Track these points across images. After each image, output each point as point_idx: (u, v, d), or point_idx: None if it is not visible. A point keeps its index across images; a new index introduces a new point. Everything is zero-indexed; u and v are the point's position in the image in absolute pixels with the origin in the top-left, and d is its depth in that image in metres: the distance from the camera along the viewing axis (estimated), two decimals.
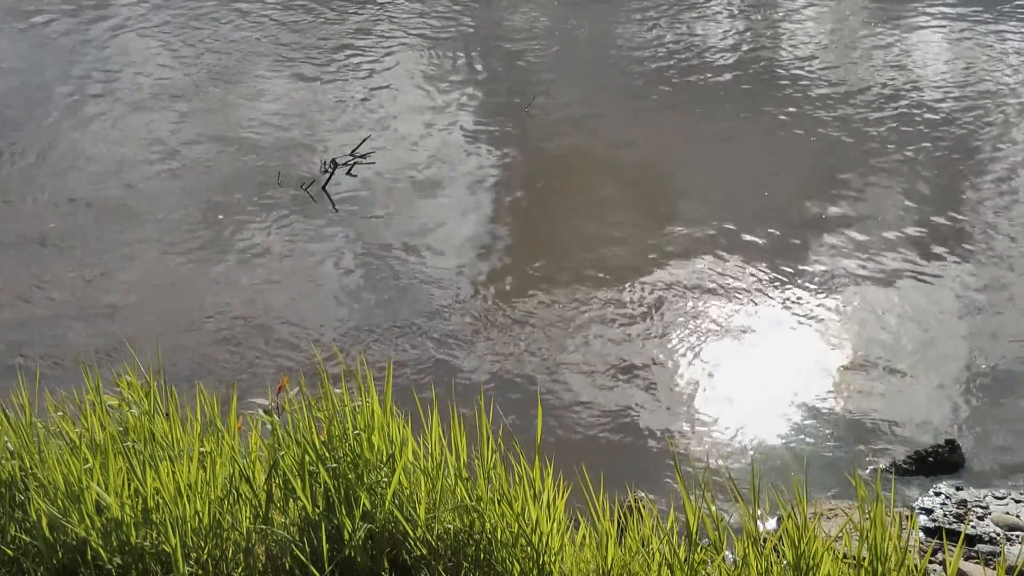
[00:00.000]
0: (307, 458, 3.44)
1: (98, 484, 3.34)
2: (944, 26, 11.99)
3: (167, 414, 3.72)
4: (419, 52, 10.17)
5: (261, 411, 3.63)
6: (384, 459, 3.45)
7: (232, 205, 7.53)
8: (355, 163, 7.96)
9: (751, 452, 5.33)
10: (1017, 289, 6.54)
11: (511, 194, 7.73)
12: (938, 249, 6.95)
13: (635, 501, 4.09)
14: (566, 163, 8.12)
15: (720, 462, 5.21)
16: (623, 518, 3.43)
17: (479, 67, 9.91)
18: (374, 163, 8.00)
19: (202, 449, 3.56)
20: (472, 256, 6.95)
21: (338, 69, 9.66)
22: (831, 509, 4.61)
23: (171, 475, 3.39)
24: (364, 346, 5.99)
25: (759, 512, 3.33)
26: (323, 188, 7.74)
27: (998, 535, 4.72)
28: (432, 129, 8.61)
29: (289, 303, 6.50)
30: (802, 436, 5.45)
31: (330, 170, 7.86)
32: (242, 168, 8.03)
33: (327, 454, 3.45)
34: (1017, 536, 4.71)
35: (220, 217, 7.39)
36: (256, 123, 8.68)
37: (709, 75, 9.78)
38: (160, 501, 3.34)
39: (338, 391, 3.52)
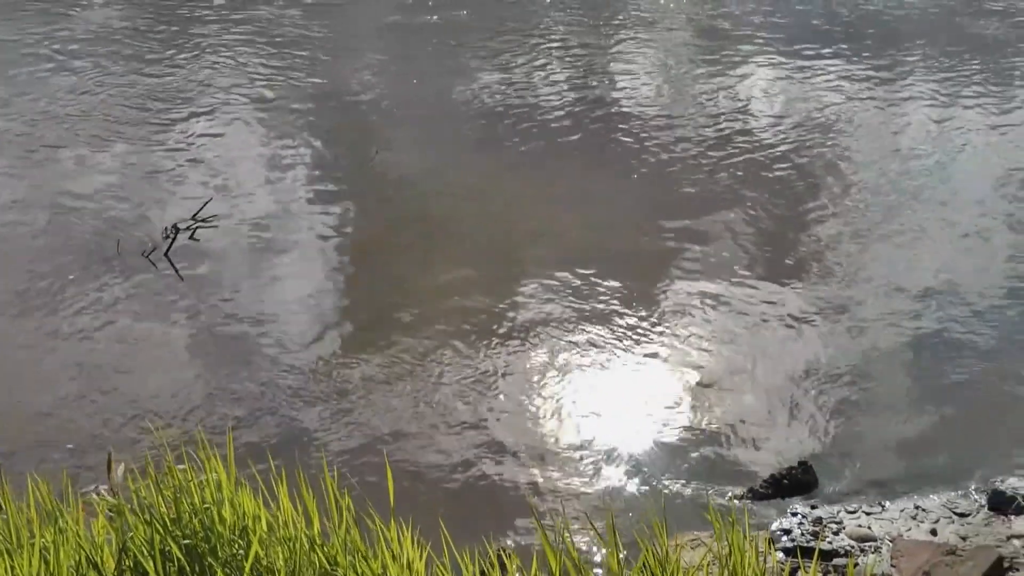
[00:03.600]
0: (157, 537, 3.31)
1: None
2: (772, 66, 12.57)
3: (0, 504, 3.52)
4: (261, 109, 10.05)
5: (103, 491, 3.48)
6: (237, 532, 3.34)
7: (67, 275, 7.22)
8: (198, 227, 7.77)
9: (611, 492, 5.36)
10: (855, 315, 6.81)
11: (357, 251, 7.65)
12: (778, 279, 7.21)
13: (497, 552, 4.06)
14: (411, 217, 8.09)
15: (579, 505, 5.22)
16: (486, 570, 3.41)
17: (321, 123, 9.85)
18: (217, 226, 7.83)
19: (43, 539, 3.38)
20: (319, 318, 6.82)
21: (176, 129, 9.45)
22: (693, 540, 4.68)
23: (9, 570, 3.21)
24: (211, 418, 5.80)
25: (622, 549, 3.35)
26: (165, 254, 7.52)
27: (852, 547, 4.89)
28: (276, 188, 8.49)
29: (131, 376, 6.25)
30: (661, 472, 5.52)
31: (172, 235, 7.65)
32: (77, 236, 7.73)
33: (178, 531, 3.33)
34: (870, 546, 4.89)
35: (53, 289, 7.07)
36: (91, 187, 8.38)
37: (550, 125, 9.96)
38: None
39: (184, 466, 3.40)
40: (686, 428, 5.80)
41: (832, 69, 12.60)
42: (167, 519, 3.32)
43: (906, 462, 5.54)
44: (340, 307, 6.96)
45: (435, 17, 14.00)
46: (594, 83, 11.52)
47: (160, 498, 3.39)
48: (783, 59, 12.80)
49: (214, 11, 13.33)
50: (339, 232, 7.87)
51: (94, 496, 3.54)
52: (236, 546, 3.33)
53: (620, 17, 15.35)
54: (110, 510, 3.45)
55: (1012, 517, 5.05)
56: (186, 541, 3.30)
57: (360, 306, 6.96)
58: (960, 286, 7.16)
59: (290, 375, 6.20)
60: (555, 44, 13.28)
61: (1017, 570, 4.61)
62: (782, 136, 9.92)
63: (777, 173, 9.00)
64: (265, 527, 3.36)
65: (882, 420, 5.84)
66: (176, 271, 7.38)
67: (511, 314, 6.76)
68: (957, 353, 6.42)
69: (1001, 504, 5.14)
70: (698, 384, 6.15)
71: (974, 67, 13.04)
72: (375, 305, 6.93)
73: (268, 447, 5.40)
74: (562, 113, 10.27)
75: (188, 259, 7.50)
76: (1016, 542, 4.83)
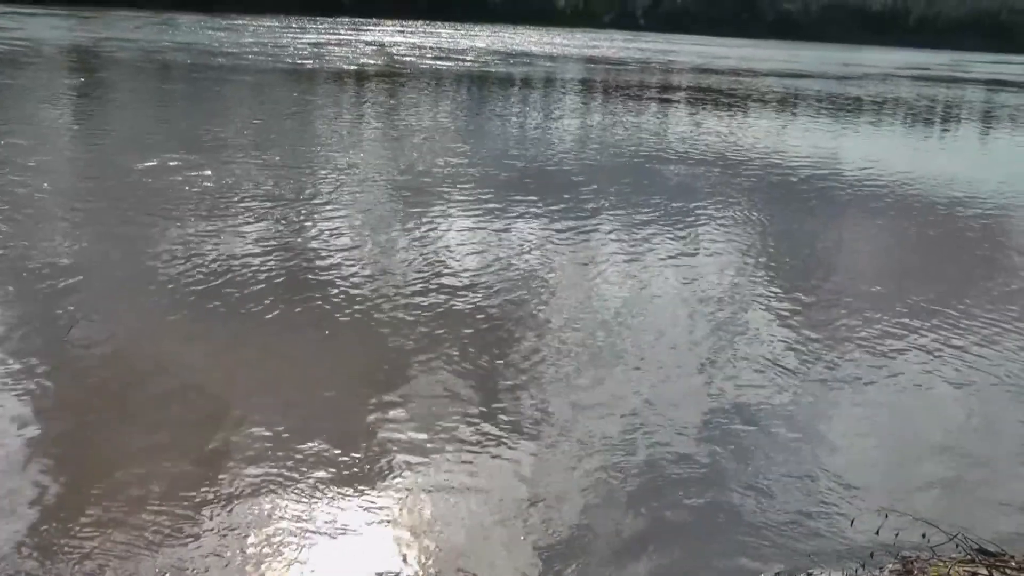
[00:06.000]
0: None
1: None
2: (474, 218, 13.05)
3: None
4: None
5: None
6: None
7: None
8: None
9: None
10: (572, 463, 6.95)
11: (52, 441, 6.94)
12: (497, 437, 7.23)
13: None
14: (112, 395, 7.54)
15: None
16: None
17: (7, 299, 9.15)
18: None
19: None
20: (14, 520, 6.09)
21: None
22: None
23: None
24: None
25: None
26: None
27: None
28: None
29: None
30: None
31: None
32: None
33: None
34: None
35: None
36: None
37: (249, 290, 9.76)
38: None
39: None
40: None
41: (533, 218, 13.28)
42: None
43: None
44: (32, 510, 6.26)
45: (181, 177, 13.59)
46: (297, 240, 11.49)
47: None
48: (484, 211, 13.36)
49: None
50: (29, 417, 7.18)
51: None
52: None
53: (324, 175, 15.54)
54: None
55: None
56: None
57: (56, 507, 6.29)
58: (670, 421, 7.53)
59: None
60: (260, 201, 13.22)
61: None
62: (485, 288, 10.23)
63: (481, 326, 9.21)
64: None
65: (608, 558, 5.94)
66: None
67: (218, 496, 6.32)
68: (671, 487, 6.69)
69: None
70: (422, 549, 6.00)
71: (662, 210, 14.10)
72: (71, 504, 6.30)
73: None
74: (262, 280, 10.11)
75: None
76: None
